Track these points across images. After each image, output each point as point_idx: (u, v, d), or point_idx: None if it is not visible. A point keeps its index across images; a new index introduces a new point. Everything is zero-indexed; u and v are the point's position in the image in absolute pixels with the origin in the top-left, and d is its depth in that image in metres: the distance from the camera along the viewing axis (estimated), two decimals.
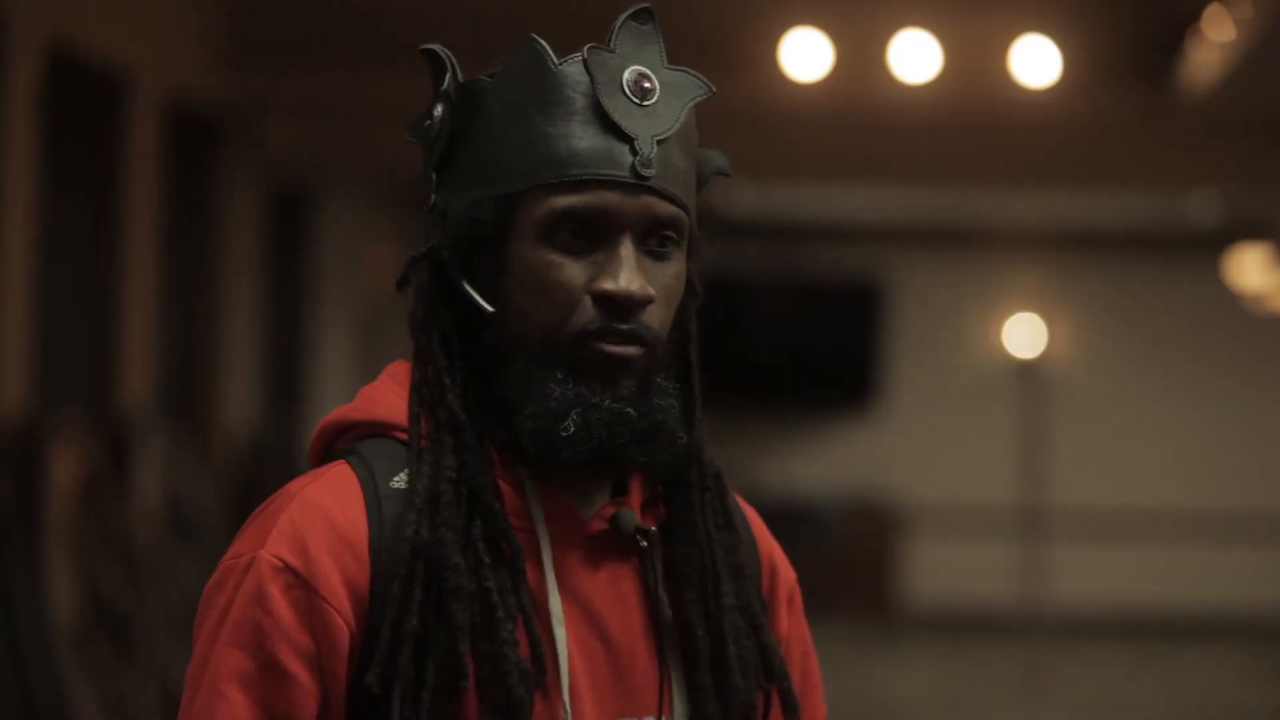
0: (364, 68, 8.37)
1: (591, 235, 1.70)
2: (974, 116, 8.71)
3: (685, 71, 1.75)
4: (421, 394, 1.73)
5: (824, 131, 9.19)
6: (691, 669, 1.76)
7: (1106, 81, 8.50)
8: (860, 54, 8.14)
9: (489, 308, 1.72)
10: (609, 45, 1.72)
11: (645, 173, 1.70)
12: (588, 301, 1.69)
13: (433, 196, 1.76)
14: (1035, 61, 8.15)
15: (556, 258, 1.70)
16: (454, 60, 1.75)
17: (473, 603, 1.66)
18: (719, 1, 8.39)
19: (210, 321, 8.72)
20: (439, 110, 1.74)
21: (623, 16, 1.73)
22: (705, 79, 1.75)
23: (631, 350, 1.69)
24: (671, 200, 1.72)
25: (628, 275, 1.68)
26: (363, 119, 9.27)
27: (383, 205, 12.01)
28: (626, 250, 1.69)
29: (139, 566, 6.63)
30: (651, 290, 1.69)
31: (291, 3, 8.63)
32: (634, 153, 1.70)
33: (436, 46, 1.75)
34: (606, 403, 1.68)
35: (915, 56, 8.02)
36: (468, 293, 1.73)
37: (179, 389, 8.42)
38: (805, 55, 8.09)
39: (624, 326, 1.68)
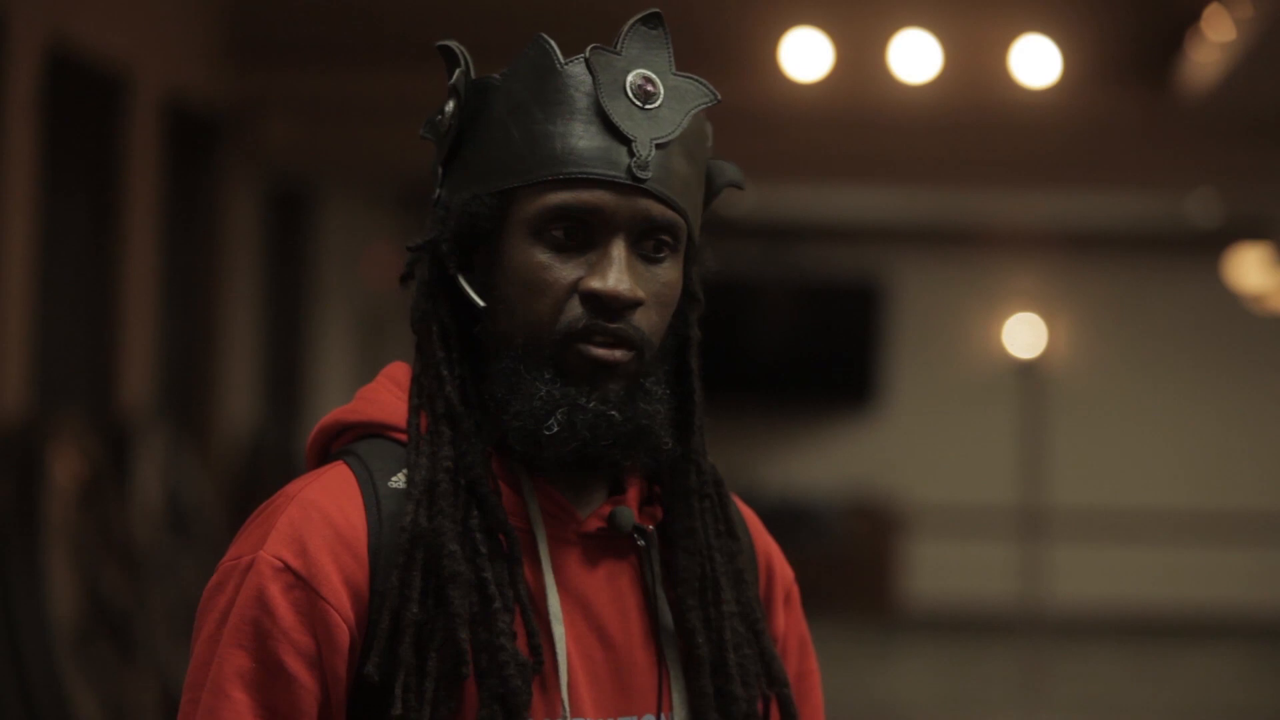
0: (364, 68, 8.36)
1: (584, 235, 1.69)
2: (974, 116, 8.70)
3: (693, 79, 1.73)
4: (422, 385, 1.73)
5: (824, 131, 9.18)
6: (692, 675, 1.75)
7: (1106, 81, 8.49)
8: (860, 54, 8.13)
9: (480, 302, 1.72)
10: (616, 48, 1.71)
11: (641, 175, 1.68)
12: (575, 301, 1.68)
13: (437, 190, 1.76)
14: (1035, 61, 8.14)
15: (546, 256, 1.69)
16: (468, 57, 1.74)
17: (470, 592, 1.66)
18: (719, 1, 8.39)
19: (210, 321, 8.71)
20: (449, 106, 1.74)
21: (632, 20, 1.72)
22: (713, 87, 1.74)
23: (618, 354, 1.68)
24: (668, 204, 1.70)
25: (617, 275, 1.67)
26: (363, 119, 9.26)
27: (383, 205, 12.00)
28: (618, 250, 1.68)
29: (139, 566, 6.63)
30: (641, 293, 1.68)
31: (291, 3, 8.61)
32: (631, 154, 1.68)
33: (452, 43, 1.75)
34: (591, 404, 1.67)
35: (915, 56, 8.01)
36: (462, 286, 1.73)
37: (179, 389, 8.41)
38: (805, 55, 8.09)
39: (611, 326, 1.67)
